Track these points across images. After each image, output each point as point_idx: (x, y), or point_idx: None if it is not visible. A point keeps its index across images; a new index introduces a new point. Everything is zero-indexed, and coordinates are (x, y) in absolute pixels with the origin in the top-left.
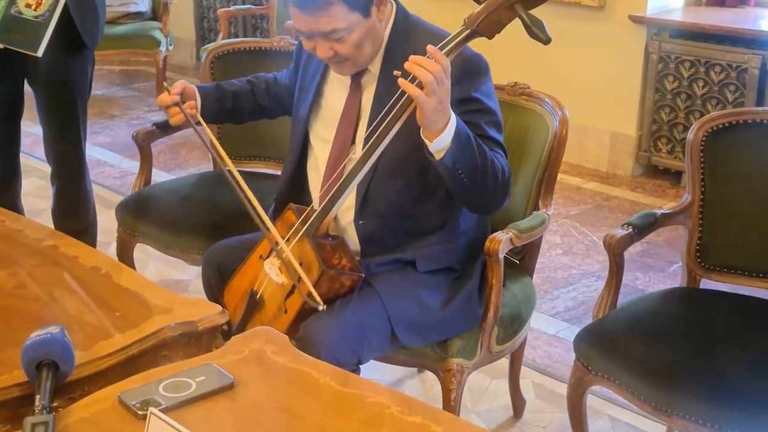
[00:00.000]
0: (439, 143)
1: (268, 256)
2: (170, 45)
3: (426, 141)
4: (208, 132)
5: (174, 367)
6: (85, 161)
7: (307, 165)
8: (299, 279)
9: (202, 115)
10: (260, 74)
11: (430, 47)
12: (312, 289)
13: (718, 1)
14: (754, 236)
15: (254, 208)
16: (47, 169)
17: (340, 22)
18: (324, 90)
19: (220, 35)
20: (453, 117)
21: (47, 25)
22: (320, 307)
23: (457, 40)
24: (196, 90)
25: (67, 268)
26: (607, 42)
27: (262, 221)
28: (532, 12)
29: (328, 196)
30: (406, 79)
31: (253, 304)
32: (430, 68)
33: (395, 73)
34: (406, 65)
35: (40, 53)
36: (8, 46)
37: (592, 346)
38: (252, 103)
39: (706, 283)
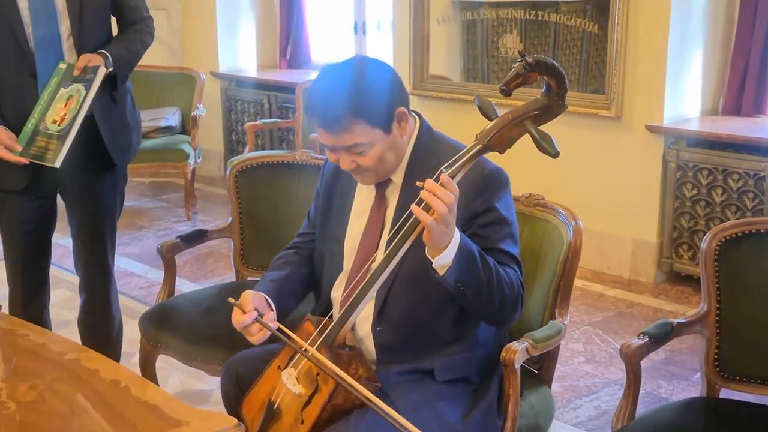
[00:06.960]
0: (442, 260)
1: (286, 367)
2: (198, 157)
3: (429, 258)
4: (285, 330)
5: None
6: (112, 274)
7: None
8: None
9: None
10: (289, 249)
11: (444, 177)
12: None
13: (733, 111)
14: None
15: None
16: (76, 280)
17: (362, 138)
18: (353, 206)
19: (247, 147)
20: (457, 235)
21: (65, 138)
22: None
23: (470, 154)
24: (267, 298)
25: (88, 382)
26: (626, 151)
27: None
28: (542, 127)
29: (347, 304)
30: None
31: (271, 415)
32: (445, 199)
33: (417, 183)
34: (422, 194)
35: (57, 165)
36: (31, 160)
37: None
38: (297, 283)
39: (727, 392)
